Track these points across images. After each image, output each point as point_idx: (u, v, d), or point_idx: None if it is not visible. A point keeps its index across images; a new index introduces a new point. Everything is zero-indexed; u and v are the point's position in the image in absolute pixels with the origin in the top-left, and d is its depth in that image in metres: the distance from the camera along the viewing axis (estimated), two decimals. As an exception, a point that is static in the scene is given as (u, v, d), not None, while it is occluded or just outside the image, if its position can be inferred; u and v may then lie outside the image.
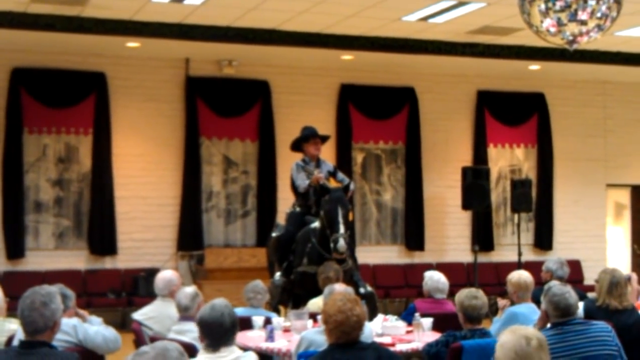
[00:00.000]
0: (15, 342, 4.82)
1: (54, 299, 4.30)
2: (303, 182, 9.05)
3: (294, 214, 9.28)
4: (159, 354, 2.75)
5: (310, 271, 8.42)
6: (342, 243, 8.25)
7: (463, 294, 5.61)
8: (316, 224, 8.73)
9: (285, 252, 9.08)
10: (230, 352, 4.45)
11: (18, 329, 5.24)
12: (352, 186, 9.37)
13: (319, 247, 8.53)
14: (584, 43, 6.62)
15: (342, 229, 8.35)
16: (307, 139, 9.28)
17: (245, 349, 5.24)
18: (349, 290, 6.12)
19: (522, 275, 6.67)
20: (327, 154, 9.66)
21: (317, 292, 7.44)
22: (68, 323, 5.20)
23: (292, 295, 9.00)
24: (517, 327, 3.66)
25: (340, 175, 9.53)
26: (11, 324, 5.73)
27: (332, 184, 9.23)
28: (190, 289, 6.06)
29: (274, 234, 9.54)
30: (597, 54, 12.68)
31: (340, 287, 6.21)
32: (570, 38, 6.48)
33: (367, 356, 4.31)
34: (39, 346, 4.20)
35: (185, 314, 5.90)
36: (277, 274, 9.08)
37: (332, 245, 8.32)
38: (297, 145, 9.39)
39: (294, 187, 9.26)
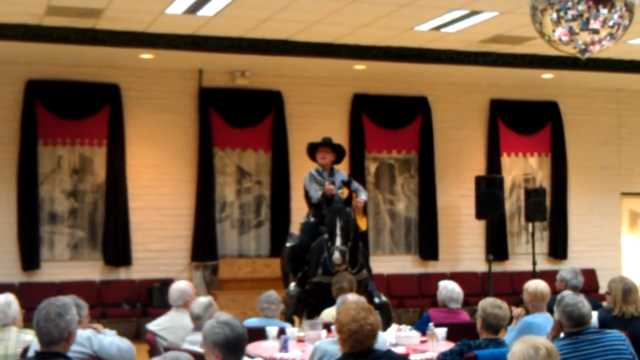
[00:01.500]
0: (31, 353, 4.84)
1: (69, 310, 4.32)
2: (316, 192, 9.03)
3: (308, 224, 9.26)
4: (171, 364, 2.76)
5: (325, 281, 8.41)
6: (336, 255, 8.25)
7: (487, 301, 5.59)
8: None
9: (300, 262, 9.07)
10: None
11: (33, 340, 5.27)
12: (364, 196, 9.36)
13: (329, 259, 8.53)
14: (596, 52, 6.61)
15: (338, 241, 8.35)
16: (316, 147, 9.29)
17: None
18: (362, 299, 6.11)
19: (539, 285, 6.65)
20: (340, 163, 9.64)
21: (332, 302, 7.43)
22: (82, 334, 5.22)
23: (306, 305, 8.98)
24: (528, 337, 3.67)
25: (355, 184, 9.49)
26: (27, 335, 5.76)
27: (346, 194, 9.22)
28: (204, 299, 6.08)
29: (288, 244, 9.52)
30: (610, 63, 12.65)
31: (353, 297, 6.20)
32: (583, 47, 6.46)
33: (382, 365, 4.30)
34: (55, 357, 4.22)
35: (198, 323, 5.92)
36: (292, 285, 9.06)
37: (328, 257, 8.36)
38: (312, 155, 9.39)
39: (307, 197, 9.26)
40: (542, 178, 14.55)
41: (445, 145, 13.99)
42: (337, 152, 9.41)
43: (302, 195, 9.54)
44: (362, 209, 9.42)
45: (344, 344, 4.41)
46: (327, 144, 9.32)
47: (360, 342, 4.35)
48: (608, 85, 14.55)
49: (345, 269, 8.32)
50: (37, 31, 10.41)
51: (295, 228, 11.37)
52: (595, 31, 6.40)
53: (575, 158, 14.66)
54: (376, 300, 8.62)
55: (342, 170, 9.98)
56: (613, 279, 6.60)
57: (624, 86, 14.58)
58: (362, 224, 9.47)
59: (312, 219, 9.24)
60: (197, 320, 5.94)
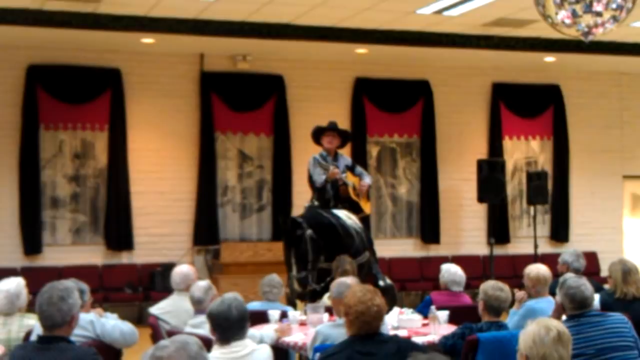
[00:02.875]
0: (34, 337, 4.86)
1: (71, 294, 4.33)
2: (319, 177, 9.04)
3: (313, 208, 9.27)
4: (179, 347, 2.77)
5: (325, 267, 8.45)
6: (294, 286, 8.42)
7: (489, 284, 5.60)
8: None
9: None
10: (243, 346, 4.47)
11: (36, 324, 5.28)
12: (369, 180, 9.38)
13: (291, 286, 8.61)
14: (599, 34, 6.59)
15: (294, 270, 8.44)
16: (322, 132, 9.28)
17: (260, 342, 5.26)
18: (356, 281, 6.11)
19: (540, 270, 6.62)
20: (343, 148, 9.64)
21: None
22: (85, 318, 5.24)
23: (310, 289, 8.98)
24: (542, 319, 3.71)
25: (359, 169, 9.53)
26: (29, 319, 5.77)
27: (350, 178, 9.24)
28: (204, 282, 6.10)
29: None
30: (613, 46, 12.61)
31: (352, 280, 6.19)
32: (586, 30, 6.45)
33: (388, 348, 4.30)
34: (57, 341, 4.23)
35: (199, 307, 5.93)
36: (295, 268, 9.08)
37: None
38: (317, 139, 9.38)
39: (311, 181, 9.26)
40: (544, 161, 14.54)
41: (447, 128, 13.97)
42: (343, 137, 9.42)
43: (304, 179, 9.54)
44: (366, 192, 9.43)
45: (351, 326, 4.42)
46: (334, 128, 9.32)
47: (368, 323, 4.35)
48: (611, 69, 14.50)
49: (310, 290, 8.37)
50: (38, 16, 10.38)
51: (296, 212, 11.39)
52: (599, 14, 6.39)
53: (577, 141, 14.64)
54: (381, 283, 8.64)
55: (343, 154, 9.98)
56: (613, 263, 6.62)
57: (626, 69, 14.53)
58: (367, 208, 9.49)
59: (316, 203, 9.24)
60: (198, 304, 5.95)
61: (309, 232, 8.44)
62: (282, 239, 8.91)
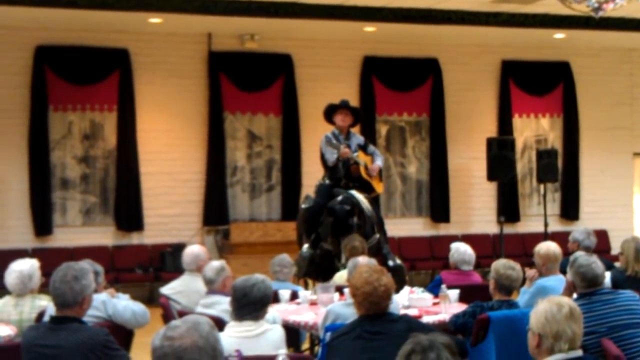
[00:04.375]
0: (46, 319, 4.88)
1: (86, 276, 4.36)
2: (332, 156, 9.04)
3: (324, 186, 9.26)
4: (191, 327, 2.78)
5: (332, 249, 8.54)
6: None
7: (500, 262, 5.60)
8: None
9: (314, 224, 9.10)
10: (258, 326, 4.50)
11: (48, 305, 5.31)
12: (380, 161, 9.38)
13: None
14: (609, 10, 6.54)
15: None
16: (335, 109, 9.27)
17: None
18: (373, 262, 6.13)
19: (550, 247, 6.62)
20: (355, 127, 9.63)
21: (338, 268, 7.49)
22: (97, 298, 5.26)
23: (320, 267, 9.01)
24: (554, 297, 3.72)
25: (371, 148, 9.55)
26: (41, 300, 5.80)
27: (362, 157, 9.23)
28: (217, 263, 6.09)
29: (303, 206, 9.53)
30: (623, 22, 12.52)
31: (364, 259, 6.21)
32: (596, 5, 6.40)
33: (398, 327, 4.31)
34: (69, 321, 4.26)
35: (211, 287, 5.94)
36: (305, 246, 9.13)
37: None
38: (329, 117, 9.36)
39: (323, 160, 9.25)
40: (554, 139, 14.48)
41: (456, 107, 13.92)
42: (355, 115, 9.41)
43: (313, 158, 9.54)
44: (378, 173, 9.43)
45: (359, 306, 4.43)
46: (347, 106, 9.30)
47: (376, 303, 4.37)
48: (620, 45, 14.41)
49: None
50: (45, -4, 10.37)
51: (305, 192, 11.40)
52: (609, -11, 6.34)
53: (587, 119, 14.57)
54: (390, 262, 8.66)
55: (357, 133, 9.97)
56: (626, 240, 6.60)
57: (636, 46, 14.44)
58: (379, 187, 9.50)
59: (327, 181, 9.24)
60: (210, 284, 5.96)
61: (355, 219, 8.56)
62: (331, 228, 8.73)
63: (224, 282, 5.89)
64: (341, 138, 9.16)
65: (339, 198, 8.76)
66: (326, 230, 8.81)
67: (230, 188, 12.87)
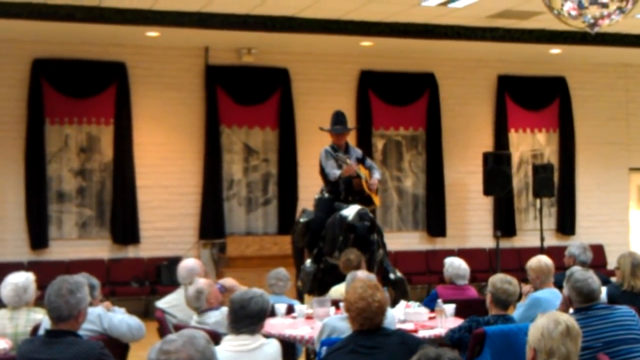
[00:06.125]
0: (41, 332, 4.86)
1: (81, 289, 4.34)
2: (333, 170, 9.01)
3: (323, 200, 9.22)
4: (187, 341, 2.78)
5: (336, 263, 8.49)
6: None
7: (497, 277, 5.60)
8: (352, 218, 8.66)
9: (315, 238, 9.05)
10: (254, 340, 4.49)
11: (43, 318, 5.29)
12: (378, 175, 9.38)
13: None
14: (605, 26, 6.56)
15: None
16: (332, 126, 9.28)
17: (267, 336, 5.26)
18: (371, 277, 6.13)
19: (541, 260, 6.64)
20: (348, 140, 9.63)
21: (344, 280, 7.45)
22: (93, 312, 5.23)
23: (321, 282, 8.95)
24: (553, 312, 3.71)
25: (369, 161, 9.56)
26: (36, 314, 5.78)
27: (362, 171, 9.22)
28: (192, 290, 5.97)
29: (302, 220, 9.48)
30: (619, 37, 12.57)
31: (362, 274, 6.21)
32: (592, 21, 6.42)
33: (391, 342, 4.31)
34: (64, 335, 4.24)
35: (198, 310, 5.93)
36: (308, 261, 9.04)
37: None
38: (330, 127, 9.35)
39: (324, 174, 9.22)
40: (550, 154, 14.51)
41: (452, 121, 13.95)
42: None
43: (310, 172, 9.55)
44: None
45: (353, 322, 4.43)
46: (344, 131, 9.30)
47: (369, 319, 4.37)
48: (616, 60, 14.46)
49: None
50: (42, 9, 10.37)
51: (302, 205, 11.40)
52: (605, 5, 6.36)
53: (583, 134, 14.60)
54: (391, 276, 8.66)
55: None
56: (622, 255, 6.61)
57: (632, 61, 14.50)
58: (377, 200, 9.50)
59: (326, 195, 9.21)
60: (197, 309, 5.94)
61: (375, 236, 8.55)
62: (352, 243, 8.50)
63: (208, 301, 5.90)
64: (341, 152, 9.15)
65: (354, 212, 8.65)
66: (342, 245, 8.55)
67: (226, 201, 12.87)
